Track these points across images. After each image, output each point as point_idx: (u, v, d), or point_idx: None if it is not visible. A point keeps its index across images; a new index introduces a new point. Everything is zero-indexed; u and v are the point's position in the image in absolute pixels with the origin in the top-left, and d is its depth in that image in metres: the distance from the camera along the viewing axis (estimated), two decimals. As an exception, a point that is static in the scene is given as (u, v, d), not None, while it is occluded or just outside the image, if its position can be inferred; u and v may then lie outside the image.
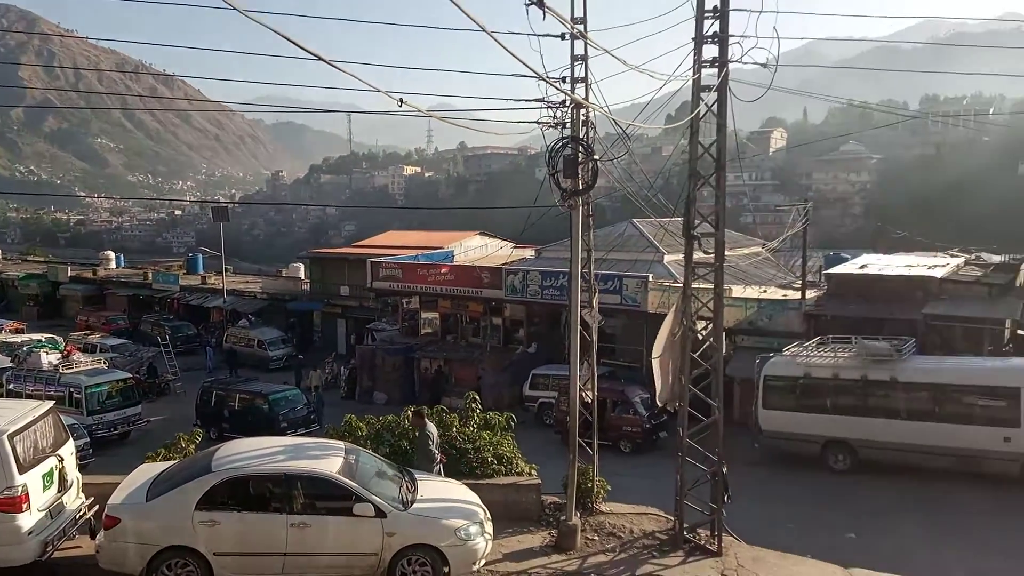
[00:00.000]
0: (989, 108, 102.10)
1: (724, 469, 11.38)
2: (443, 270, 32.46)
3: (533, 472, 12.49)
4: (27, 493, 8.77)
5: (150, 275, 50.11)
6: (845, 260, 28.65)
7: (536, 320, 31.40)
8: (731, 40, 10.03)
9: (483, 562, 9.83)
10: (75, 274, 53.49)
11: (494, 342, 31.81)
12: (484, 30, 6.37)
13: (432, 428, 11.86)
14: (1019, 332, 22.58)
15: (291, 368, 35.09)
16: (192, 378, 33.11)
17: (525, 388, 26.96)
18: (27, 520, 8.77)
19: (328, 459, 9.78)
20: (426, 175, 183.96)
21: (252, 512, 9.13)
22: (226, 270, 45.93)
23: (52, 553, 9.16)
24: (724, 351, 13.27)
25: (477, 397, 13.50)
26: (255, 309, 42.85)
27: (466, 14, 5.92)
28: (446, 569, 9.44)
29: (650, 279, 26.31)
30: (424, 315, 34.31)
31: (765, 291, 26.30)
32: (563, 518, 11.20)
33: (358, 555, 9.23)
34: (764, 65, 9.46)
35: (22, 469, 8.78)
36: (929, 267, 24.47)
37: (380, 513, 9.21)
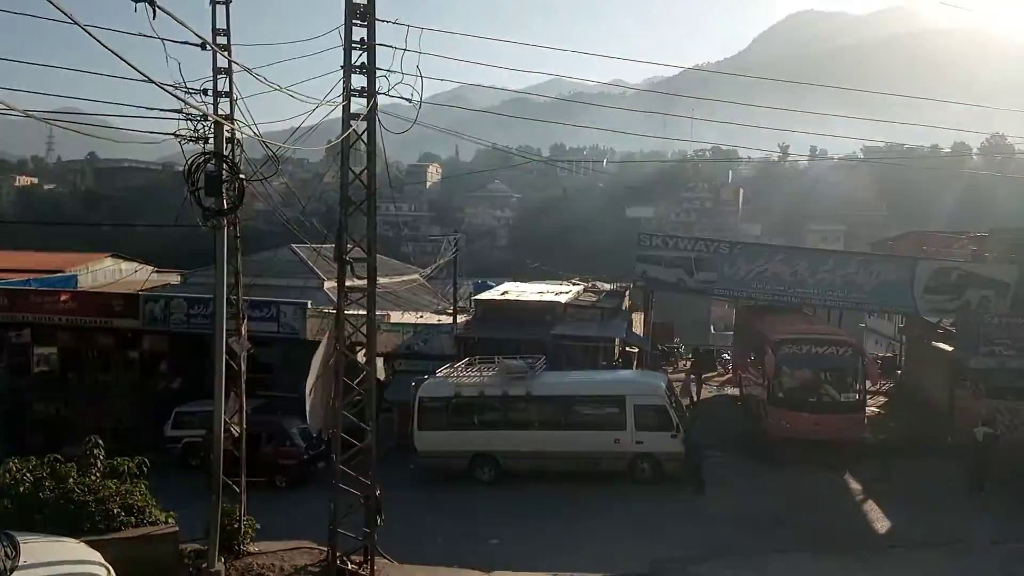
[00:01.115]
0: (603, 159, 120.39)
1: (377, 492, 11.58)
2: (63, 297, 28.16)
3: (171, 520, 11.35)
4: None
5: None
6: (491, 287, 31.28)
7: (182, 352, 28.81)
8: (379, 73, 10.41)
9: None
10: None
11: (130, 378, 28.40)
12: (83, 27, 5.64)
13: None
14: (627, 349, 26.76)
15: None
16: None
17: (167, 428, 24.49)
18: None
19: None
20: (45, 187, 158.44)
21: None
22: None
23: None
24: (384, 376, 13.73)
25: (100, 442, 11.87)
26: None
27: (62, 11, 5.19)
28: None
29: (309, 306, 25.85)
30: (38, 350, 29.37)
31: (421, 316, 27.53)
32: (204, 566, 10.37)
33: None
34: (409, 101, 9.99)
35: None
36: (556, 294, 27.88)
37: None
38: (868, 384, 21.37)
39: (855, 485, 17.95)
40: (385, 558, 11.61)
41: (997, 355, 20.48)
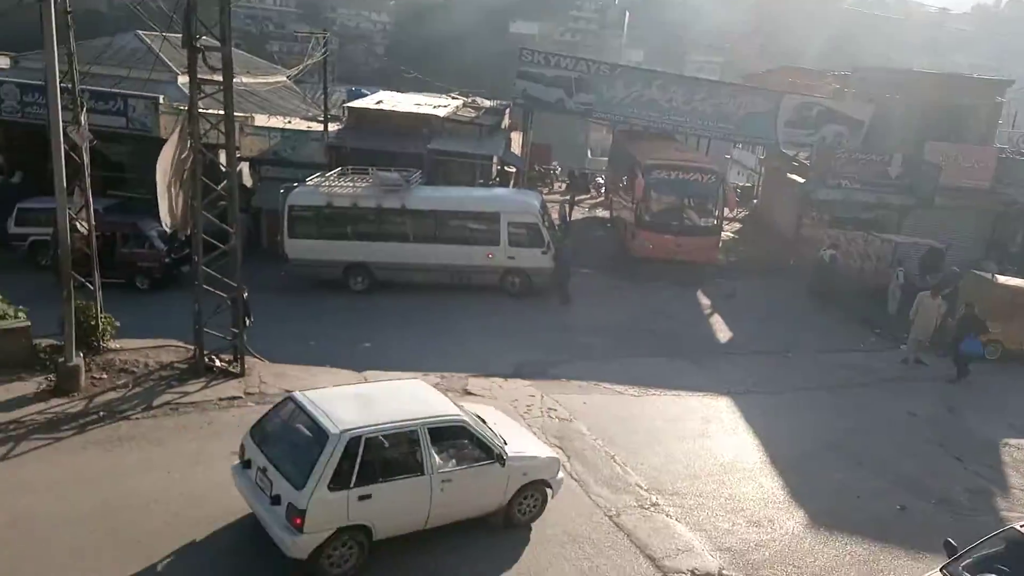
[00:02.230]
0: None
1: (245, 294, 11.40)
2: None
3: (21, 315, 10.81)
4: None
5: None
6: (365, 95, 29.78)
7: (18, 144, 26.05)
8: None
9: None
10: None
11: (-40, 171, 25.60)
12: None
13: None
14: (504, 168, 26.73)
15: None
16: None
17: (10, 224, 22.59)
18: None
19: None
20: None
21: None
22: None
23: None
24: (250, 182, 13.00)
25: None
26: None
27: None
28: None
29: (161, 100, 23.71)
30: None
31: (290, 122, 25.98)
32: (62, 360, 10.05)
33: None
34: None
35: None
36: (434, 107, 26.94)
37: None
38: (726, 211, 22.71)
39: (705, 301, 19.55)
40: (255, 356, 11.69)
41: (843, 188, 22.24)
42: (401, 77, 40.70)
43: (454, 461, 7.66)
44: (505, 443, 8.07)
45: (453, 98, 30.50)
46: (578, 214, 27.81)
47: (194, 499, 7.92)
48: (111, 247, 18.48)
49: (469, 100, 30.54)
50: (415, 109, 26.17)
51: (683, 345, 15.87)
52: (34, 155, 25.97)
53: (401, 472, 7.33)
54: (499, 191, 22.71)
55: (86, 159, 11.37)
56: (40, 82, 23.49)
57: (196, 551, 7.21)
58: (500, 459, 7.83)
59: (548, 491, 8.39)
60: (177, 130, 11.06)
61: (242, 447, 7.76)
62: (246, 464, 7.56)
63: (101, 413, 9.49)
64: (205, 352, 11.10)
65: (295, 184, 20.56)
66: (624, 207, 23.93)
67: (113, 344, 11.32)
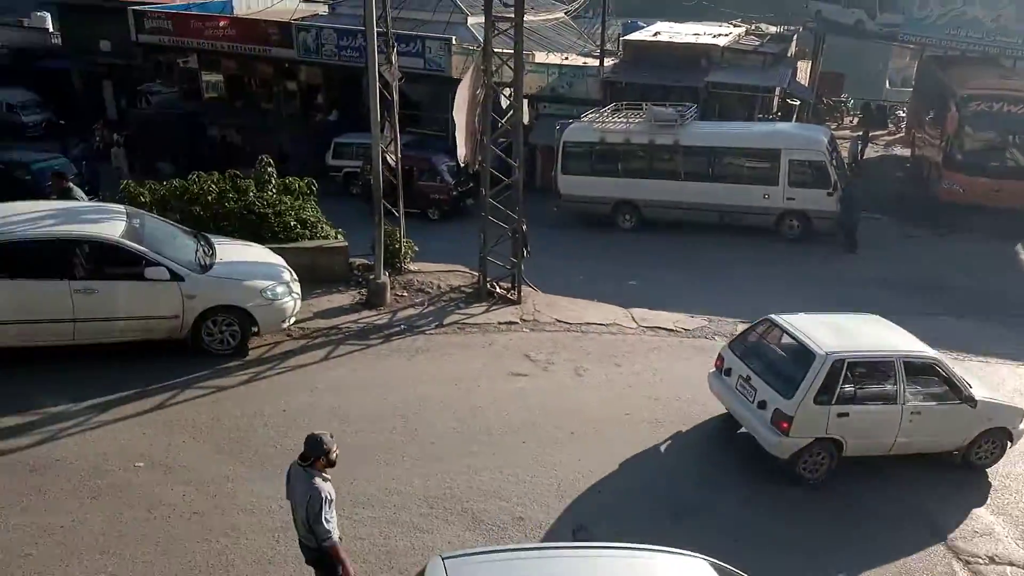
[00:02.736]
0: None
1: (524, 227, 12.02)
2: (222, 23, 28.91)
3: (340, 236, 12.44)
4: None
5: None
6: (642, 28, 29.19)
7: (336, 85, 29.57)
8: None
9: (293, 320, 9.97)
10: None
11: (292, 109, 29.78)
12: None
13: (79, 193, 11.54)
14: (788, 100, 24.86)
15: (52, 136, 30.92)
16: (-77, 147, 28.27)
17: (328, 157, 25.95)
18: None
19: (108, 223, 9.06)
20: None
21: (26, 279, 8.41)
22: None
23: None
24: (527, 119, 13.55)
25: (271, 161, 12.81)
26: (-5, 66, 36.27)
27: None
28: (255, 328, 9.50)
29: (453, 41, 25.31)
30: (206, 77, 30.99)
31: (567, 58, 26.40)
32: (372, 277, 11.45)
33: (156, 318, 8.98)
34: None
35: None
36: (714, 36, 25.62)
37: (176, 276, 8.90)
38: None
39: (1024, 257, 16.83)
40: (530, 286, 12.36)
41: None
42: (679, 6, 39.15)
43: (925, 396, 8.04)
44: (970, 386, 8.19)
45: (735, 26, 28.75)
46: (872, 152, 25.10)
47: (475, 410, 8.71)
48: (408, 180, 20.45)
49: (752, 27, 28.61)
50: (693, 39, 25.12)
51: (990, 303, 13.86)
52: (348, 95, 29.40)
53: (875, 398, 7.92)
54: (781, 126, 21.21)
55: (396, 96, 12.56)
56: (354, 27, 26.29)
57: (475, 456, 7.94)
58: (970, 400, 8.05)
59: (1008, 441, 8.42)
60: (472, 68, 11.75)
61: (720, 357, 8.80)
62: (726, 372, 8.58)
63: (402, 326, 10.72)
64: (487, 279, 11.96)
65: (570, 120, 20.99)
66: (930, 144, 21.12)
67: (412, 267, 12.64)
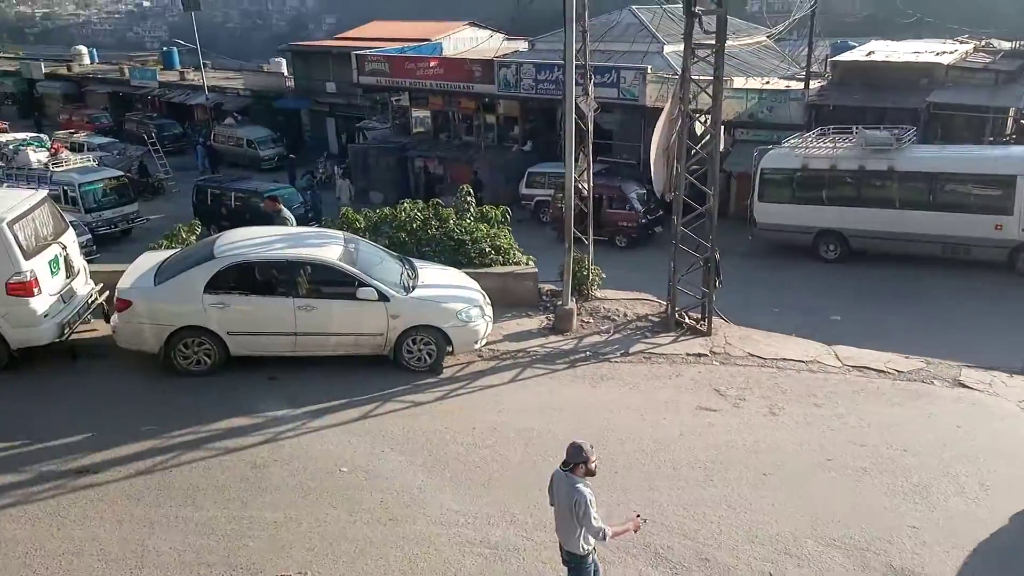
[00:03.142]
0: None
1: (716, 255, 11.65)
2: (432, 63, 31.03)
3: (530, 262, 12.77)
4: (36, 279, 8.98)
5: (127, 71, 47.89)
6: (852, 48, 27.44)
7: (531, 117, 30.59)
8: None
9: (484, 342, 10.34)
10: (50, 71, 51.04)
11: (488, 140, 31.21)
12: None
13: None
14: (1022, 121, 22.19)
15: (283, 168, 34.72)
16: (184, 178, 32.84)
17: (521, 187, 26.87)
18: (40, 303, 9.07)
19: (328, 247, 9.95)
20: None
21: (258, 295, 9.44)
22: (204, 65, 43.89)
23: (70, 335, 9.57)
24: (723, 145, 13.16)
25: (471, 191, 13.49)
26: (240, 107, 41.50)
27: None
28: (449, 348, 9.97)
29: (648, 71, 25.28)
30: (415, 113, 33.33)
31: (767, 82, 25.42)
32: (559, 303, 11.62)
33: (365, 335, 9.68)
34: None
35: (27, 255, 8.93)
36: (937, 53, 23.50)
37: (383, 297, 9.55)
38: None
39: None
40: (721, 317, 11.92)
41: None
42: (893, 23, 36.40)
43: None
44: None
45: (961, 42, 26.17)
46: None
47: (660, 443, 8.50)
48: (598, 208, 20.61)
49: (982, 43, 25.88)
50: (912, 58, 23.21)
51: None
52: (542, 126, 30.30)
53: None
54: (1017, 150, 18.97)
55: (590, 127, 12.75)
56: (552, 62, 27.10)
57: (658, 491, 7.72)
58: None
59: None
60: (671, 95, 11.66)
61: None
62: None
63: (587, 353, 10.76)
64: (676, 308, 11.70)
65: (769, 146, 20.15)
66: None
67: (598, 294, 12.68)
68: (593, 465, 5.40)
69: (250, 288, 9.48)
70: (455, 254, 12.29)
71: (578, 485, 5.29)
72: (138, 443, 8.10)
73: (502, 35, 37.64)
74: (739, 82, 25.12)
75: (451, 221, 12.60)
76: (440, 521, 7.13)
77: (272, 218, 11.76)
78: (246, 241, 9.98)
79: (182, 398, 9.05)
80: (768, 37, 33.83)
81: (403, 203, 12.99)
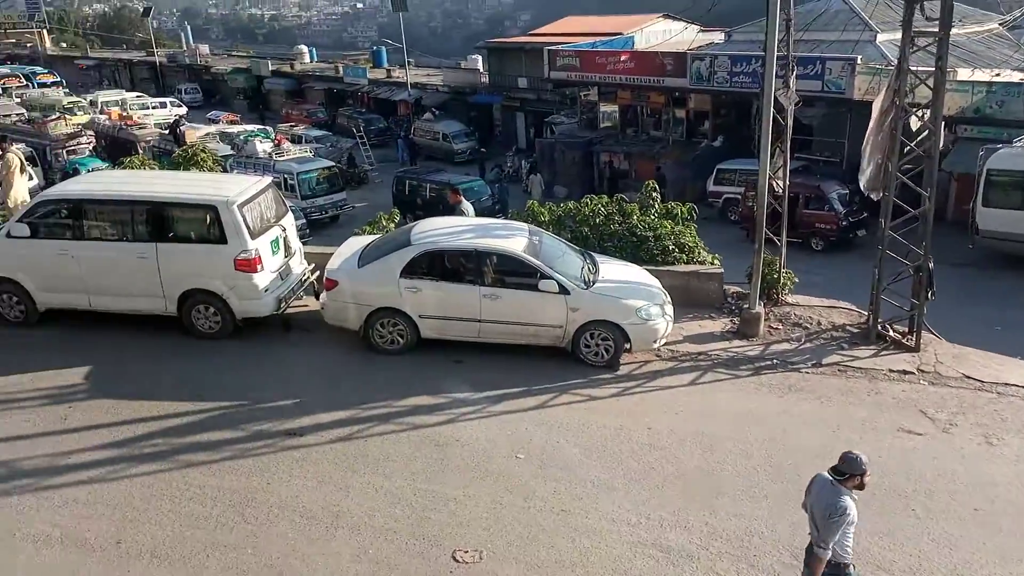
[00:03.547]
0: None
1: (930, 264, 10.60)
2: (622, 57, 30.82)
3: (716, 262, 12.35)
4: (259, 256, 10.01)
5: (341, 69, 51.99)
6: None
7: (723, 111, 29.57)
8: None
9: (663, 341, 10.15)
10: (275, 68, 56.61)
11: (676, 135, 30.54)
12: None
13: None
14: None
15: (475, 161, 36.12)
16: (386, 169, 35.19)
17: (709, 183, 26.05)
18: (262, 279, 10.10)
19: (513, 239, 10.21)
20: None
21: (448, 282, 9.89)
22: (408, 63, 46.59)
23: (285, 309, 10.58)
24: (942, 143, 11.95)
25: (657, 186, 13.26)
26: (438, 102, 43.67)
27: None
28: (627, 345, 9.88)
29: (858, 61, 23.48)
30: (603, 108, 33.33)
31: (997, 74, 22.70)
32: (746, 306, 11.14)
33: (544, 326, 9.84)
34: None
35: (253, 235, 9.97)
36: None
37: (563, 290, 9.65)
38: None
39: None
40: (932, 332, 10.84)
41: None
42: None
43: None
44: None
45: None
46: None
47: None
48: (792, 207, 19.53)
49: None
50: None
51: None
52: (735, 121, 29.16)
53: None
54: None
55: (789, 122, 12.08)
56: (748, 53, 25.97)
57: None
58: None
59: None
60: (885, 88, 10.75)
61: None
62: None
63: (774, 360, 10.22)
64: (879, 320, 10.80)
65: (998, 146, 18.05)
66: None
67: (789, 299, 11.99)
68: (866, 480, 5.24)
69: (441, 274, 9.96)
70: (637, 250, 12.16)
71: (843, 496, 5.18)
72: (338, 412, 8.80)
73: (697, 27, 36.60)
74: (964, 74, 22.69)
75: (635, 217, 12.47)
76: (612, 518, 7.11)
77: (454, 209, 12.30)
78: (439, 230, 10.49)
79: (377, 374, 9.70)
80: (1000, 25, 30.24)
81: (587, 198, 13.04)
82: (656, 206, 12.81)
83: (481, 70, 46.26)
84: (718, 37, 33.54)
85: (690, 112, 30.37)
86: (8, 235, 10.21)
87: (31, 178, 15.82)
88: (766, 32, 10.44)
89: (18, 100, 44.88)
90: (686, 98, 29.81)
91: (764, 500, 7.36)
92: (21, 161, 13.20)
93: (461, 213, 12.03)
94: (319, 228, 25.35)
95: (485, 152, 36.91)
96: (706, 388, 9.67)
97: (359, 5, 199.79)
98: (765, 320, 11.12)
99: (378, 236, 11.70)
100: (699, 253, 12.33)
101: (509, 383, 9.48)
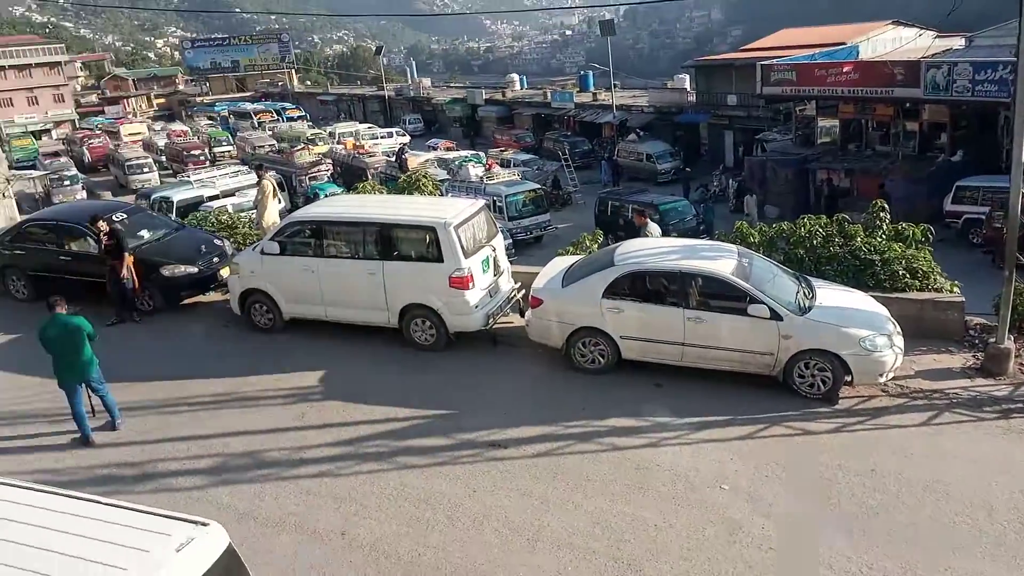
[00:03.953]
0: None
1: None
2: (845, 68, 28.81)
3: (955, 289, 11.11)
4: (472, 274, 10.56)
5: (548, 95, 53.67)
6: None
7: (963, 123, 26.65)
8: None
9: (891, 375, 9.30)
10: (488, 97, 59.70)
11: (907, 150, 27.98)
12: None
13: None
14: None
15: (679, 181, 35.56)
16: (589, 190, 35.67)
17: (947, 202, 23.53)
18: (473, 296, 10.64)
19: (721, 260, 9.88)
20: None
21: (651, 304, 9.78)
22: (614, 86, 47.01)
23: (493, 325, 11.04)
24: None
25: (885, 206, 12.20)
26: (643, 123, 43.61)
27: None
28: (848, 378, 9.17)
29: None
30: (821, 122, 31.41)
31: None
32: (992, 340, 9.90)
33: (753, 353, 9.40)
34: None
35: (466, 254, 10.54)
36: None
37: (775, 315, 9.17)
38: None
39: None
40: None
41: None
42: None
43: None
44: None
45: None
46: None
47: None
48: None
49: None
50: None
51: None
52: (976, 134, 26.17)
53: None
54: None
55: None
56: (995, 59, 23.23)
57: None
58: None
59: None
60: None
61: None
62: None
63: (1026, 403, 8.98)
64: None
65: None
66: None
67: (1042, 334, 10.48)
68: None
69: (644, 296, 9.87)
70: (860, 275, 11.25)
71: None
72: (539, 427, 9.00)
73: (932, 33, 33.41)
74: None
75: (858, 239, 11.57)
76: (829, 564, 6.59)
77: (639, 230, 12.15)
78: (643, 251, 10.42)
79: (577, 392, 9.81)
80: None
81: (803, 218, 12.30)
82: (884, 227, 11.81)
83: (688, 89, 45.55)
84: (957, 43, 30.38)
85: (923, 124, 27.73)
86: (262, 252, 11.62)
87: (280, 202, 17.89)
88: (1019, 35, 9.29)
89: (270, 132, 51.22)
90: (919, 109, 27.25)
91: (1011, 561, 6.45)
92: (274, 187, 15.01)
93: (647, 235, 11.88)
94: (523, 248, 26.22)
95: (690, 172, 36.20)
96: (942, 430, 8.69)
97: (568, 32, 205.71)
98: (1016, 357, 9.81)
99: (582, 256, 11.87)
100: (935, 279, 11.16)
101: (713, 410, 9.16)
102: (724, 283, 9.51)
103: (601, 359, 10.14)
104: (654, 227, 12.31)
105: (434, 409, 9.51)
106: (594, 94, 51.45)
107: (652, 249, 10.54)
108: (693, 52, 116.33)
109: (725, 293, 9.52)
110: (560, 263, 11.35)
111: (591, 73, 56.23)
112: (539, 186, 30.45)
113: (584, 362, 10.22)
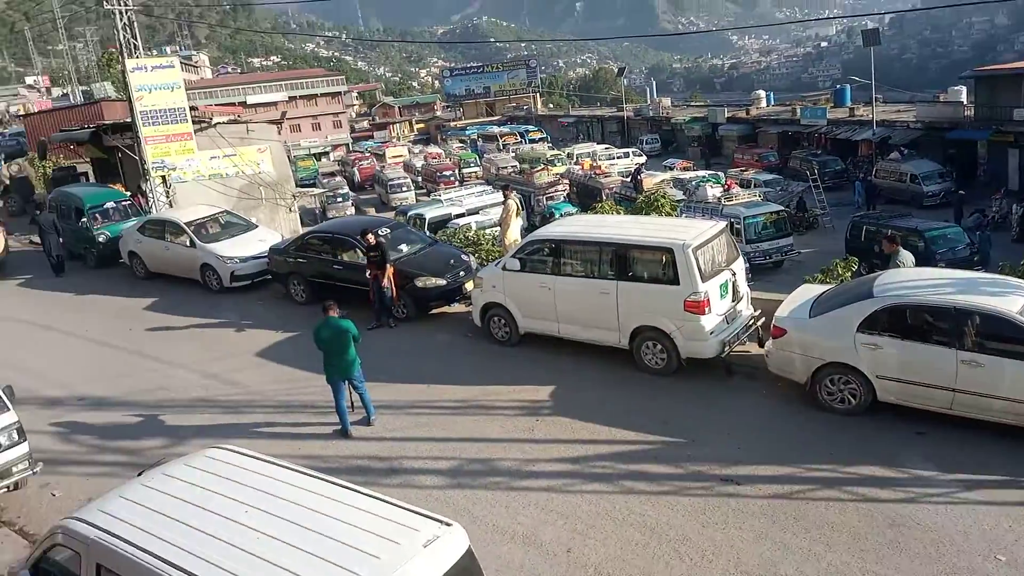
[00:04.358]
0: None
1: None
2: None
3: None
4: (708, 299, 10.21)
5: (797, 111, 50.69)
6: None
7: None
8: None
9: None
10: (731, 115, 57.77)
11: None
12: None
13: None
14: None
15: (949, 205, 31.72)
16: (838, 213, 33.05)
17: None
18: (709, 321, 10.27)
19: (1007, 297, 8.60)
20: None
21: (917, 341, 8.76)
22: (875, 99, 43.22)
23: (728, 352, 10.57)
24: None
25: None
26: (907, 140, 39.58)
27: None
28: None
29: None
30: None
31: None
32: None
33: (1045, 407, 8.05)
34: None
35: (704, 278, 10.21)
36: None
37: (1078, 367, 7.76)
38: None
39: None
40: None
41: None
42: None
43: None
44: None
45: None
46: None
47: None
48: None
49: None
50: None
51: None
52: None
53: None
54: None
55: None
56: None
57: None
58: None
59: None
60: None
61: None
62: None
63: None
64: None
65: None
66: None
67: None
68: None
69: (908, 332, 8.88)
70: None
71: None
72: (777, 466, 8.42)
73: None
74: None
75: None
76: None
77: (889, 259, 10.81)
78: (909, 281, 9.40)
79: (821, 432, 9.04)
80: None
81: None
82: None
83: (964, 102, 40.53)
84: None
85: None
86: (503, 268, 12.18)
87: (522, 221, 18.66)
88: None
89: (513, 154, 53.77)
90: None
91: None
92: (518, 207, 15.69)
93: (897, 265, 10.59)
94: (761, 273, 24.83)
95: (964, 195, 32.07)
96: None
97: (823, 44, 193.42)
98: None
99: (833, 285, 10.97)
100: None
101: (986, 467, 7.98)
102: (1010, 323, 8.27)
103: (852, 399, 9.26)
104: (907, 255, 10.98)
105: (662, 435, 9.29)
106: (851, 109, 47.65)
107: (920, 280, 9.47)
108: (971, 61, 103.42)
109: (1012, 336, 8.27)
110: (807, 291, 10.59)
111: (848, 87, 52.17)
112: (782, 208, 28.73)
113: (832, 401, 9.41)
